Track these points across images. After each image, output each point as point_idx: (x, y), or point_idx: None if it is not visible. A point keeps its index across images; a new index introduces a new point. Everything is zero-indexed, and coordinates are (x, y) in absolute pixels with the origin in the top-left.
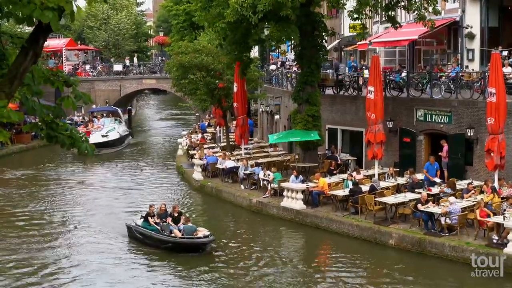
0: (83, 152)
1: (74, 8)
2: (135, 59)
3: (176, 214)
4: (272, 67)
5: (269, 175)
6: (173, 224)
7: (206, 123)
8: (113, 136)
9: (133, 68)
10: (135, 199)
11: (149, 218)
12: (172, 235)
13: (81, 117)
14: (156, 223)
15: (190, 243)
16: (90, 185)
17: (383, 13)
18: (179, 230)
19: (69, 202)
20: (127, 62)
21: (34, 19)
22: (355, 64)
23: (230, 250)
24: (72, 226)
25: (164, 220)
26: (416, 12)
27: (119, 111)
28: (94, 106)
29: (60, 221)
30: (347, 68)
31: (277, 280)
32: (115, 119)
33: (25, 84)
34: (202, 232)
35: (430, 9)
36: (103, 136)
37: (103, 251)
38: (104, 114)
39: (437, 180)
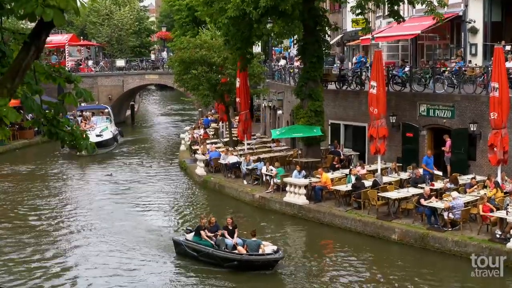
0: (82, 149)
1: (78, 4)
2: (164, 53)
3: (231, 227)
4: (282, 62)
5: (272, 170)
6: (229, 237)
7: (209, 119)
8: (107, 135)
9: (161, 61)
10: (140, 196)
11: (201, 232)
12: (235, 251)
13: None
14: (209, 237)
15: (261, 261)
16: (90, 181)
17: (387, 7)
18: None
19: (80, 202)
20: (153, 57)
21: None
22: (363, 60)
23: None
24: (98, 235)
25: (216, 233)
26: (425, 5)
27: (109, 109)
28: (83, 104)
29: (79, 227)
30: (350, 63)
31: (280, 277)
32: (106, 118)
33: (25, 82)
34: (269, 246)
35: (435, 1)
36: (97, 135)
37: (151, 269)
38: (94, 112)
39: (437, 172)
